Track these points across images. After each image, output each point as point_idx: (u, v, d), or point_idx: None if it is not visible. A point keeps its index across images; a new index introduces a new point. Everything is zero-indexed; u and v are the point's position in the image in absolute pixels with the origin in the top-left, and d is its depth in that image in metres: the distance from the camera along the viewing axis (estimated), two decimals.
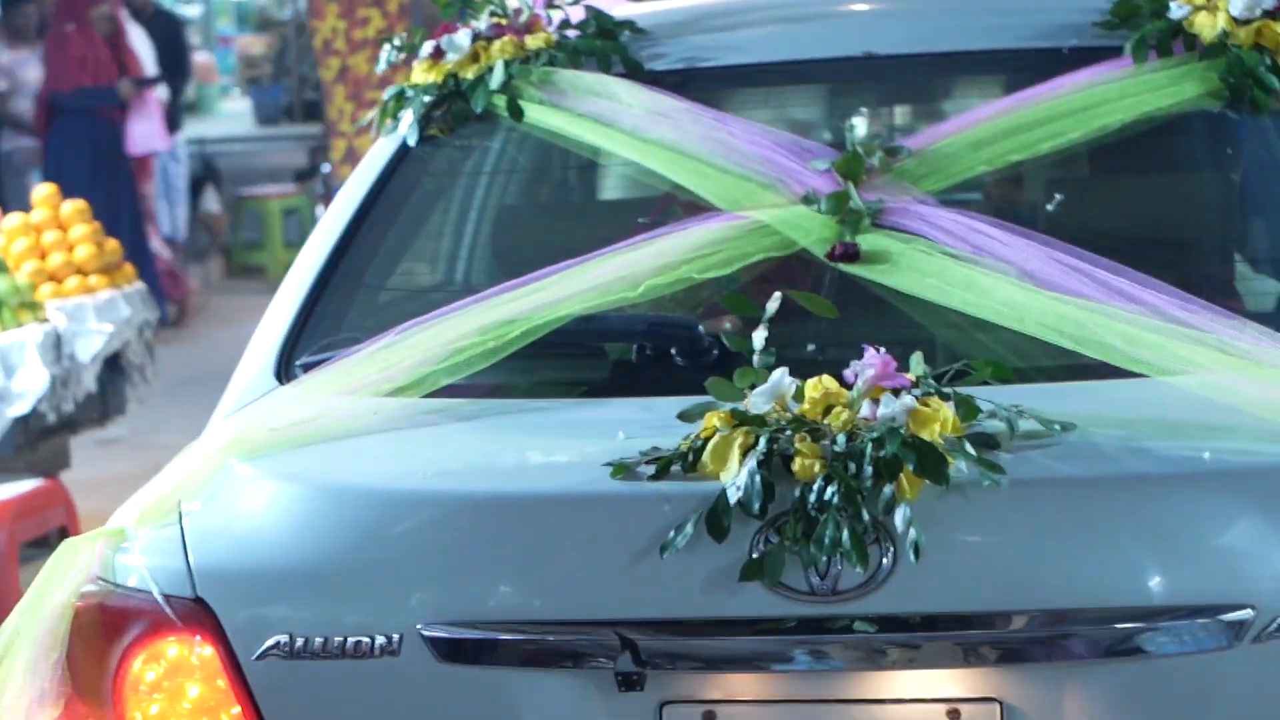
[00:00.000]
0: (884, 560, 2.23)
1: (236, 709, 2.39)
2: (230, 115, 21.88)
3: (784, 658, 2.27)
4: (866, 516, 2.21)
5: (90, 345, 5.95)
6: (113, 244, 6.41)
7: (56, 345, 5.73)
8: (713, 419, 2.34)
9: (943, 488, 2.22)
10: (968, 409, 2.34)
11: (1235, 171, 3.18)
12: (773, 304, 2.50)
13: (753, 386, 2.38)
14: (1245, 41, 3.02)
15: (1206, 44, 3.03)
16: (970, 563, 2.25)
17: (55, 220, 6.33)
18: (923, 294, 2.66)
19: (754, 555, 2.24)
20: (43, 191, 6.52)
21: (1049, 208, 2.96)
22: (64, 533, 5.13)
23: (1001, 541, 2.25)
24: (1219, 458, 2.30)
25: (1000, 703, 2.25)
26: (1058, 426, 2.34)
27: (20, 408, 5.56)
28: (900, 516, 2.20)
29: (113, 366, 6.18)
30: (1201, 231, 3.14)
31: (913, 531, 2.20)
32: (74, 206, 6.37)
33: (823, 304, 2.61)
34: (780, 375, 2.36)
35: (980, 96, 3.18)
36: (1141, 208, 3.11)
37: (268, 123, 22.55)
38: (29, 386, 5.56)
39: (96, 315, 6.07)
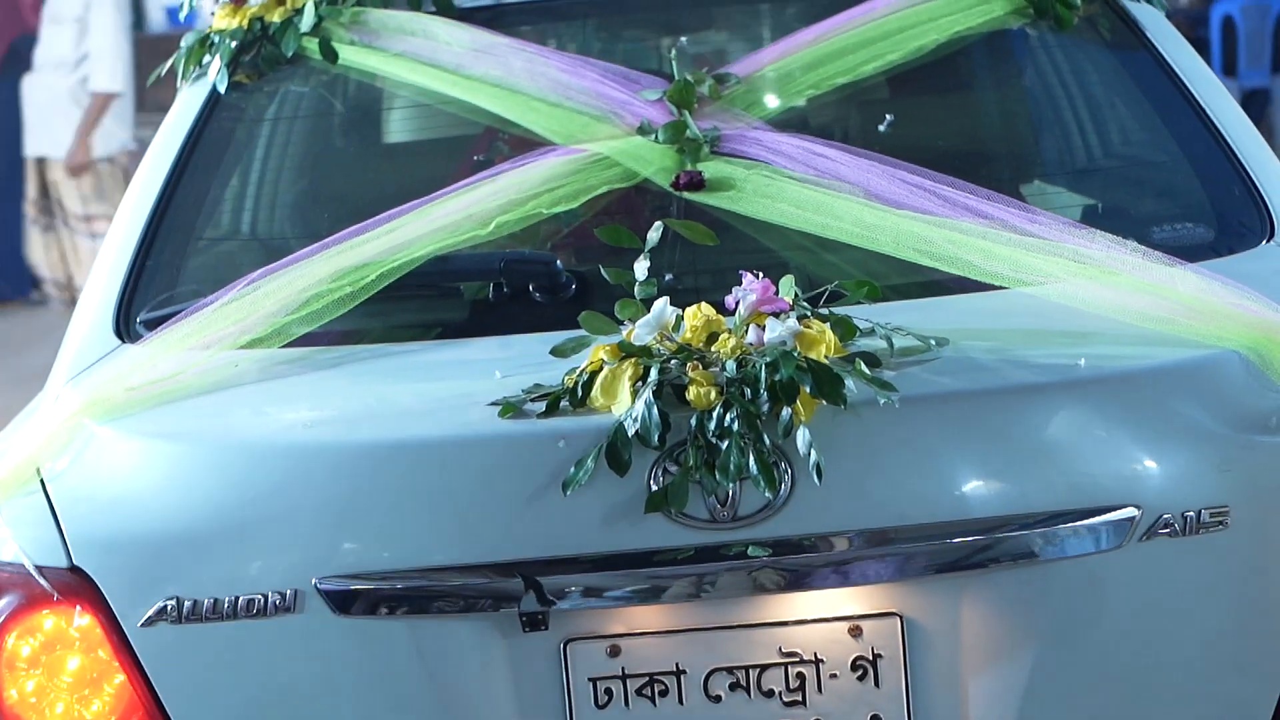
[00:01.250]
0: (783, 484, 2.24)
1: (120, 678, 2.32)
2: None
3: (686, 587, 2.28)
4: (768, 440, 2.22)
5: None
6: None
7: None
8: (599, 352, 2.33)
9: (838, 408, 2.24)
10: (846, 328, 2.37)
11: (1044, 86, 3.26)
12: (654, 234, 2.50)
13: (632, 318, 2.38)
14: None
15: None
16: (864, 482, 2.27)
17: None
18: (773, 219, 2.68)
19: (654, 487, 2.24)
20: None
21: (879, 128, 2.99)
22: None
23: (892, 459, 2.29)
24: (1093, 364, 2.35)
25: (900, 616, 2.29)
26: (933, 342, 2.38)
27: None
28: (801, 439, 2.22)
29: None
30: (1017, 146, 3.22)
31: (813, 454, 2.22)
32: None
33: (703, 232, 2.62)
34: (663, 305, 2.36)
35: (796, 21, 3.20)
36: (961, 125, 3.17)
37: None
38: None
39: None
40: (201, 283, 2.81)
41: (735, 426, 2.22)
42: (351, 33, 3.15)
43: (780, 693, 2.30)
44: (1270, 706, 2.31)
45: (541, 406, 2.31)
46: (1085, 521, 2.27)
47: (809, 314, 2.38)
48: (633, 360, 2.30)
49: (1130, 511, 2.27)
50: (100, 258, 2.92)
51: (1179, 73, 3.04)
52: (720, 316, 2.37)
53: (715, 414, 2.23)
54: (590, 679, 2.29)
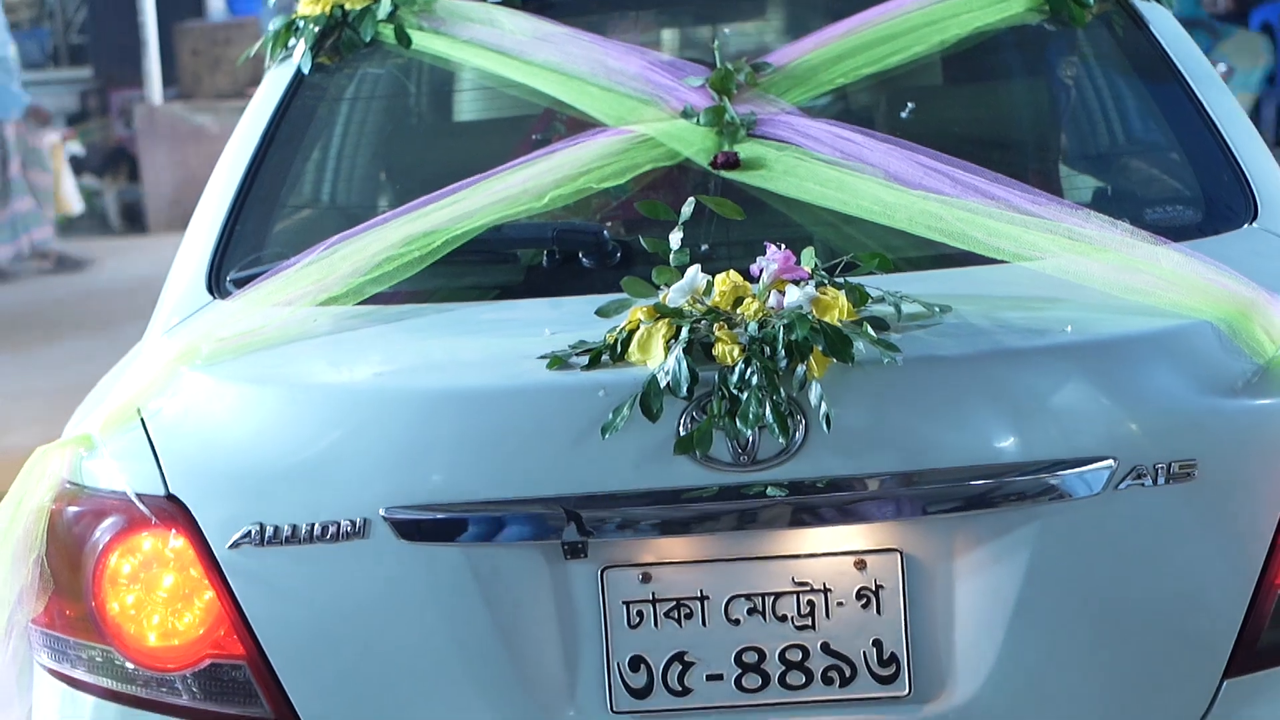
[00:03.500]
0: (797, 432, 2.52)
1: (209, 594, 2.62)
2: None
3: (710, 522, 2.56)
4: (783, 393, 2.50)
5: None
6: None
7: None
8: (637, 313, 2.61)
9: (847, 365, 2.52)
10: (859, 295, 2.64)
11: (1056, 79, 3.52)
12: (687, 208, 2.78)
13: (668, 283, 2.67)
14: None
15: None
16: (869, 432, 2.55)
17: None
18: (800, 196, 2.96)
19: (682, 432, 2.52)
20: None
21: (902, 115, 3.26)
22: None
23: (895, 412, 2.56)
24: (1079, 331, 2.62)
25: (900, 552, 2.57)
26: (937, 309, 2.66)
27: None
28: (813, 392, 2.50)
29: None
30: (1030, 134, 3.48)
31: (824, 406, 2.50)
32: None
33: (731, 207, 2.89)
34: (694, 272, 2.65)
35: (827, 16, 3.46)
36: (979, 113, 3.43)
37: (33, 68, 22.41)
38: None
39: None
40: (285, 246, 3.11)
41: (755, 380, 2.50)
42: (422, 20, 3.43)
43: (792, 617, 2.58)
44: (1230, 640, 2.57)
45: (585, 360, 2.60)
46: (1067, 470, 2.54)
47: (825, 282, 2.65)
48: (666, 320, 2.59)
49: (1108, 462, 2.53)
50: (195, 222, 3.22)
51: (1180, 67, 3.29)
52: (746, 283, 2.65)
53: (738, 369, 2.51)
54: (624, 602, 2.58)
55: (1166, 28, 3.39)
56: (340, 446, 2.60)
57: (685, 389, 2.51)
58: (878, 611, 2.57)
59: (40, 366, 9.45)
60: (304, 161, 3.37)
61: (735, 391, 2.50)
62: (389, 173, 3.49)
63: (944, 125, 3.29)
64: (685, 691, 2.58)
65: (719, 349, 2.54)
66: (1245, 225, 2.98)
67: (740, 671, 2.58)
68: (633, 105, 3.17)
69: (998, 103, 3.52)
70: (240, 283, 3.01)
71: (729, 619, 2.58)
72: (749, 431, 2.49)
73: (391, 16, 3.42)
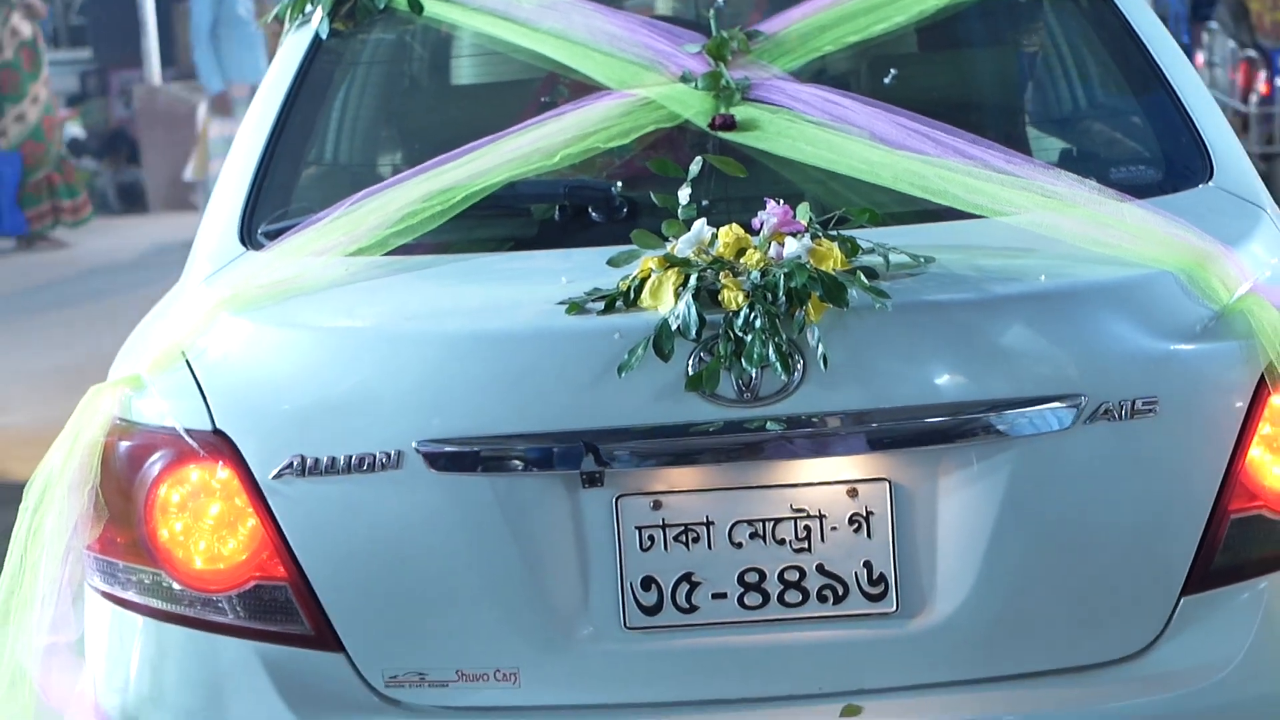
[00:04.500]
0: (796, 371, 2.76)
1: (253, 522, 2.84)
2: None
3: (716, 453, 2.80)
4: (784, 335, 2.74)
5: None
6: None
7: None
8: (648, 263, 2.84)
9: (842, 310, 2.76)
10: (851, 247, 2.88)
11: (1026, 48, 3.76)
12: (695, 166, 3.02)
13: (676, 235, 2.90)
14: None
15: None
16: (861, 371, 2.78)
17: None
18: (792, 156, 3.19)
19: (691, 372, 2.76)
20: None
21: (885, 81, 3.49)
22: None
23: (885, 353, 2.80)
24: (1052, 280, 2.86)
25: (889, 481, 2.81)
26: (921, 259, 2.90)
27: None
28: (811, 335, 2.74)
29: None
30: (1003, 98, 3.72)
31: (821, 347, 2.74)
32: None
33: (734, 165, 3.12)
34: (700, 225, 2.88)
35: None
36: (955, 79, 3.67)
37: None
38: None
39: None
40: (310, 201, 3.33)
41: (758, 324, 2.73)
42: None
43: (790, 541, 2.82)
44: (1187, 561, 2.82)
45: (601, 306, 2.83)
46: (1041, 406, 2.78)
47: (820, 234, 2.89)
48: (675, 269, 2.82)
49: (1079, 400, 2.78)
50: (223, 178, 3.43)
51: (1141, 37, 3.53)
52: (747, 235, 2.89)
53: (742, 314, 2.75)
54: (637, 527, 2.81)
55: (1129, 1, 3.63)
56: (375, 384, 2.83)
57: (694, 331, 2.74)
58: (868, 535, 2.81)
59: (35, 346, 9.56)
60: (324, 122, 3.58)
61: (740, 334, 2.74)
62: (403, 132, 3.71)
63: (923, 90, 3.51)
64: (692, 609, 2.82)
65: (725, 295, 2.77)
66: (1201, 184, 3.22)
67: (742, 590, 2.82)
68: (634, 70, 3.39)
69: (972, 70, 3.75)
70: (271, 235, 3.22)
71: (732, 542, 2.82)
72: (753, 370, 2.73)
73: None
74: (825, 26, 3.46)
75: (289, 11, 3.70)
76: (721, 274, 2.80)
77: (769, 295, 2.76)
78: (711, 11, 3.46)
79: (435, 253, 3.14)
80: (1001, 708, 2.81)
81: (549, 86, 3.62)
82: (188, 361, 2.93)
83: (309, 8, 3.69)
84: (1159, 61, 3.46)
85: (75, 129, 14.25)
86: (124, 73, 14.95)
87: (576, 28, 3.48)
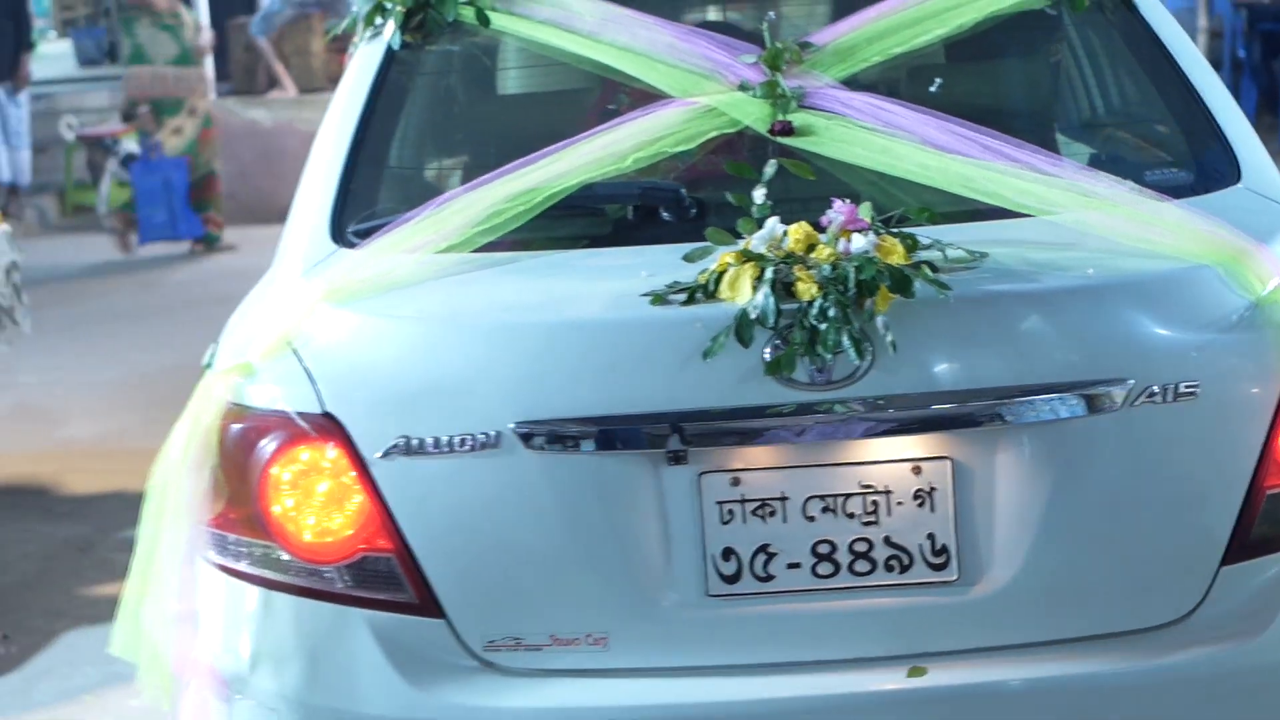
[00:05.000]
0: (866, 357, 2.99)
1: (360, 498, 3.06)
2: (49, 58, 21.09)
3: (790, 433, 3.02)
4: (855, 324, 2.97)
5: None
6: None
7: None
8: (726, 257, 3.07)
9: (907, 301, 2.98)
10: (911, 243, 3.11)
11: (1062, 58, 3.99)
12: (769, 169, 3.24)
13: (750, 232, 3.12)
14: None
15: None
16: (925, 356, 3.01)
17: None
18: (848, 159, 3.41)
19: (768, 358, 2.98)
20: None
21: (930, 90, 3.72)
22: None
23: (947, 340, 3.02)
24: (1099, 273, 3.10)
25: (951, 459, 3.04)
26: (976, 255, 3.13)
27: None
28: (880, 323, 2.97)
29: None
30: (1042, 105, 3.96)
31: (889, 334, 2.96)
32: None
33: (805, 169, 3.35)
34: (773, 222, 3.10)
35: (856, 2, 3.91)
36: (996, 88, 3.91)
37: (90, 64, 22.40)
38: None
39: None
40: (392, 202, 3.54)
41: (832, 313, 2.96)
42: (500, 3, 3.86)
43: (859, 515, 3.04)
44: (1227, 533, 3.05)
45: (683, 297, 3.05)
46: (1091, 389, 3.01)
47: (883, 231, 3.12)
48: (752, 263, 3.05)
49: (1128, 383, 3.01)
50: (307, 182, 3.65)
51: (1166, 44, 3.77)
52: (815, 232, 3.11)
53: (817, 304, 2.97)
54: (717, 502, 3.04)
55: (1154, 11, 3.86)
56: (475, 370, 3.04)
57: (772, 320, 2.97)
58: (931, 510, 3.04)
59: (99, 357, 9.63)
60: (401, 128, 3.80)
61: (814, 322, 2.96)
62: (475, 137, 3.93)
63: (963, 98, 3.74)
64: (769, 578, 3.04)
65: (799, 287, 3.00)
66: (1230, 186, 3.46)
67: (815, 561, 3.04)
68: (695, 79, 3.61)
69: (1009, 78, 3.99)
70: (360, 234, 3.43)
71: (806, 516, 3.04)
72: (827, 356, 2.95)
73: (468, 1, 3.85)
74: (872, 38, 3.69)
75: (363, 27, 3.92)
76: (795, 268, 3.02)
77: (841, 286, 2.98)
78: (765, 24, 3.68)
79: (516, 249, 3.35)
80: (1054, 670, 3.03)
81: (610, 94, 3.84)
82: (294, 350, 3.14)
83: (379, 20, 3.91)
84: (1185, 70, 3.70)
85: (130, 145, 14.33)
86: None
87: (637, 39, 3.70)
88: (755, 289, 3.01)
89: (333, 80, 13.17)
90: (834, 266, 3.02)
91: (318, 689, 3.10)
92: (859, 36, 3.70)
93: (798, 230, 3.10)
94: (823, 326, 2.96)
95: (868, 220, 3.13)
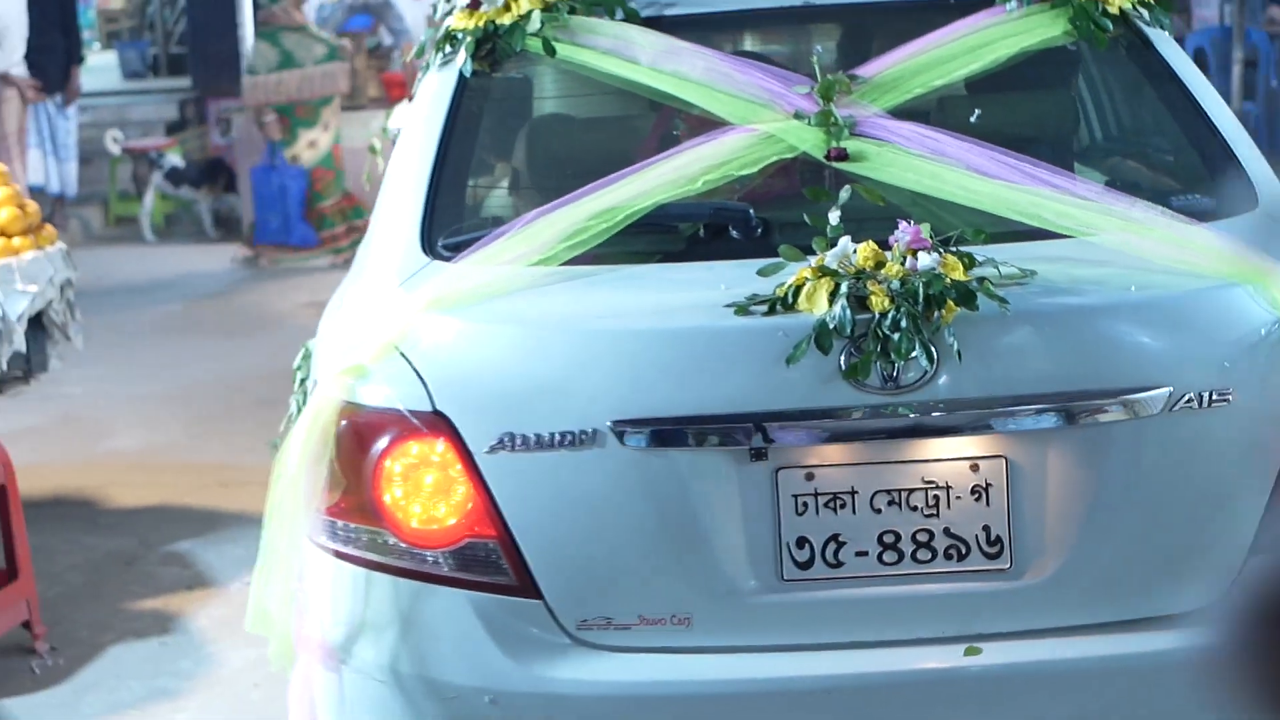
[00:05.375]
0: (934, 364, 3.29)
1: (466, 489, 3.33)
2: (94, 69, 20.62)
3: (861, 433, 3.32)
4: (925, 334, 3.27)
5: (17, 306, 6.05)
6: (33, 206, 6.48)
7: None
8: (804, 272, 3.36)
9: (969, 313, 3.29)
10: (969, 260, 3.41)
11: (1088, 90, 4.32)
12: (844, 193, 3.54)
13: (824, 250, 3.42)
14: None
15: None
16: (985, 364, 3.31)
17: None
18: (899, 184, 3.71)
19: (843, 365, 3.28)
20: None
21: (969, 119, 4.03)
22: (2, 490, 5.45)
23: (1005, 349, 3.33)
24: (1139, 290, 3.41)
25: (1005, 458, 3.34)
26: (1026, 272, 3.43)
27: None
28: (946, 333, 3.27)
29: (35, 325, 6.27)
30: (1071, 134, 4.28)
31: (955, 343, 3.27)
32: None
33: (875, 194, 3.65)
34: (846, 241, 3.40)
35: (895, 37, 4.22)
36: (1028, 116, 4.22)
37: (134, 77, 22.50)
38: None
39: (21, 276, 6.14)
40: (477, 218, 3.82)
41: (903, 324, 3.26)
42: (560, 34, 4.15)
43: (921, 508, 3.34)
44: (1254, 527, 3.36)
45: (764, 308, 3.34)
46: (1134, 395, 3.32)
47: (942, 250, 3.42)
48: (827, 278, 3.34)
49: (1167, 390, 3.32)
50: (392, 198, 3.92)
51: (1182, 79, 4.09)
52: (880, 251, 3.41)
53: (889, 315, 3.27)
54: (793, 495, 3.33)
55: (1167, 45, 4.18)
56: (574, 373, 3.32)
57: (849, 329, 3.27)
58: (987, 504, 3.34)
59: (144, 368, 9.74)
60: (478, 149, 4.08)
61: (887, 332, 3.26)
62: (545, 158, 4.21)
63: (1003, 126, 4.05)
64: (838, 564, 3.34)
65: (873, 300, 3.29)
66: (1250, 211, 3.78)
67: (881, 549, 3.34)
68: (753, 108, 3.91)
69: (1044, 109, 4.30)
70: (450, 247, 3.71)
71: (873, 508, 3.34)
72: (899, 363, 3.25)
73: (537, 31, 4.14)
74: (915, 71, 4.00)
75: (434, 54, 4.20)
76: (867, 282, 3.32)
77: (911, 300, 3.28)
78: (814, 57, 3.99)
79: (597, 264, 3.64)
80: (1100, 650, 3.34)
81: (667, 120, 4.14)
82: (403, 354, 3.41)
83: (448, 49, 4.19)
84: (1200, 102, 4.02)
85: (174, 158, 14.27)
86: (222, 101, 15.11)
87: (696, 69, 4.00)
88: (831, 302, 3.30)
89: (373, 100, 13.32)
90: (903, 281, 3.32)
91: (420, 662, 3.37)
92: (903, 70, 4.01)
93: (866, 249, 3.40)
94: (895, 336, 3.25)
95: (930, 240, 3.43)
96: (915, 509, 3.35)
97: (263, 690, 5.28)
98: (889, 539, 3.35)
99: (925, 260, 3.36)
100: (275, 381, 8.40)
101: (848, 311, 3.28)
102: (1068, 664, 3.34)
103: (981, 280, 3.34)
